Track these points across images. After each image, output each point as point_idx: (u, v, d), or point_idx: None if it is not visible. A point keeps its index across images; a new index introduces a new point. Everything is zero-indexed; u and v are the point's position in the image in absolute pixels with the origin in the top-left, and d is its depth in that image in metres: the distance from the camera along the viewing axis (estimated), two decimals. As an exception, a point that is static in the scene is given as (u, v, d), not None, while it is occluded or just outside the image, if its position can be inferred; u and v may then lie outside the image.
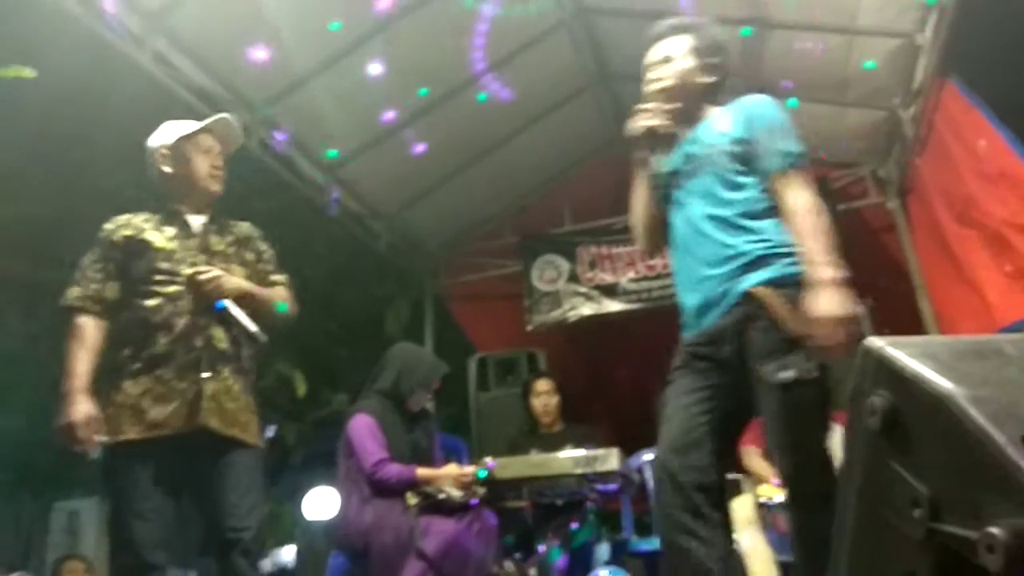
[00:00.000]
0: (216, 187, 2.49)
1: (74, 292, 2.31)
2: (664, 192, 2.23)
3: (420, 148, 4.76)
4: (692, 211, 2.12)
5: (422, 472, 3.16)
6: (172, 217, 2.43)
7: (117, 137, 5.41)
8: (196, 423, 2.20)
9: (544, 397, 4.26)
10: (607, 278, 5.54)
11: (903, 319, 4.52)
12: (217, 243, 2.45)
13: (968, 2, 3.18)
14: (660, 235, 2.29)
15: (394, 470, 3.11)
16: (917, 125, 4.16)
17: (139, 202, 2.53)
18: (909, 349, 0.84)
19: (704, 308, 2.06)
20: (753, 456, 4.24)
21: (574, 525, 3.43)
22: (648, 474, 4.14)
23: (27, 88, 2.84)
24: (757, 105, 2.14)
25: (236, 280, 2.37)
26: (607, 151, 5.65)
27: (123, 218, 2.44)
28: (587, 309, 5.53)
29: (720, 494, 2.02)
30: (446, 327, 6.18)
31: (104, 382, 2.26)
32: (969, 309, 3.91)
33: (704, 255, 2.07)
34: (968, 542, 0.73)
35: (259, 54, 3.75)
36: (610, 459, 3.22)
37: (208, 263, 2.36)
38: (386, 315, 7.24)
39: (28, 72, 2.56)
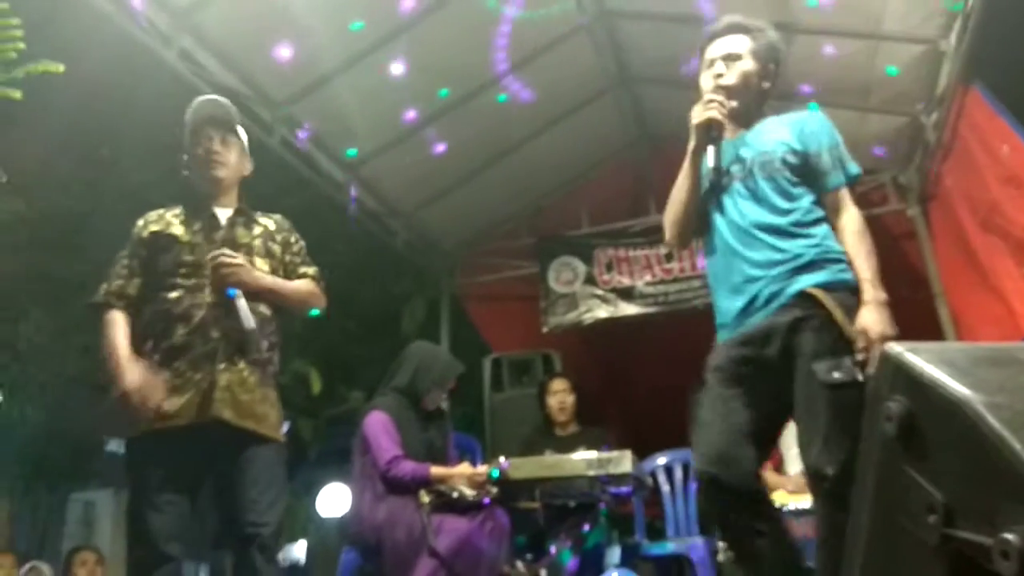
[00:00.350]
0: (216, 172, 2.46)
1: (101, 289, 2.36)
2: (708, 190, 2.23)
3: (440, 148, 4.79)
4: (741, 214, 2.14)
5: (436, 470, 3.17)
6: (200, 211, 2.46)
7: (143, 134, 5.49)
8: (209, 414, 2.21)
9: (560, 395, 4.27)
10: (624, 281, 5.54)
11: (921, 326, 4.48)
12: (243, 235, 2.46)
13: (992, 9, 3.16)
14: (691, 229, 2.29)
15: (408, 467, 3.12)
16: (940, 131, 4.13)
17: (164, 199, 2.56)
18: (926, 355, 0.84)
19: (750, 309, 2.07)
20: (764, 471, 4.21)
21: (586, 527, 3.43)
22: (662, 478, 4.14)
23: (57, 84, 2.88)
24: (815, 120, 2.19)
25: (258, 274, 2.38)
26: (626, 154, 5.66)
27: (155, 214, 2.47)
28: (603, 312, 5.53)
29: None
30: (462, 327, 6.20)
31: None
32: (992, 316, 3.87)
33: (754, 258, 2.09)
34: (983, 548, 0.73)
35: (283, 52, 3.79)
36: (623, 462, 3.21)
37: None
38: (402, 313, 7.26)
39: (57, 67, 2.60)
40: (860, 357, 1.88)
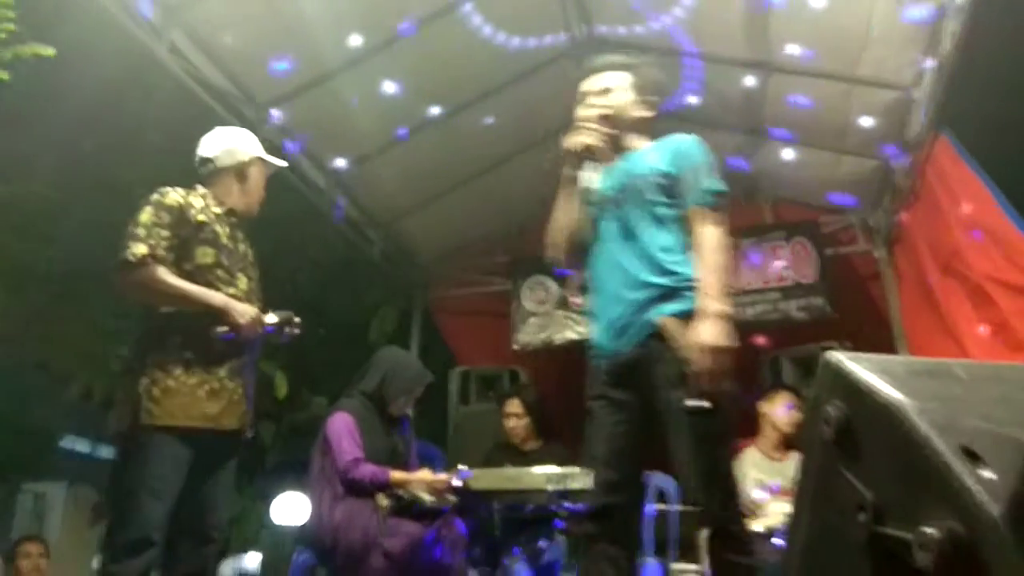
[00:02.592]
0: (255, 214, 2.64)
1: (142, 249, 2.25)
2: (592, 215, 2.32)
3: (424, 161, 4.82)
4: (616, 236, 2.22)
5: (396, 475, 3.18)
6: (226, 216, 2.52)
7: (128, 130, 5.47)
8: (243, 423, 2.38)
9: (513, 420, 4.27)
10: (595, 304, 5.58)
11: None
12: (246, 251, 2.58)
13: (965, 61, 3.27)
14: (580, 246, 2.35)
15: (368, 470, 3.13)
16: (908, 177, 4.25)
17: (143, 192, 2.53)
18: (865, 363, 0.90)
19: (619, 330, 2.15)
20: None
21: (542, 543, 3.44)
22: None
23: (44, 71, 2.88)
24: (684, 143, 2.27)
25: None
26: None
27: (191, 197, 2.44)
28: (573, 333, 5.56)
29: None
30: (432, 339, 6.21)
31: (147, 358, 2.28)
32: (949, 361, 3.96)
33: (623, 279, 2.16)
34: (905, 543, 0.78)
35: (272, 56, 3.82)
36: (583, 478, 3.24)
37: (245, 272, 2.50)
38: (371, 322, 7.25)
39: (47, 50, 2.61)
40: (692, 370, 1.93)
